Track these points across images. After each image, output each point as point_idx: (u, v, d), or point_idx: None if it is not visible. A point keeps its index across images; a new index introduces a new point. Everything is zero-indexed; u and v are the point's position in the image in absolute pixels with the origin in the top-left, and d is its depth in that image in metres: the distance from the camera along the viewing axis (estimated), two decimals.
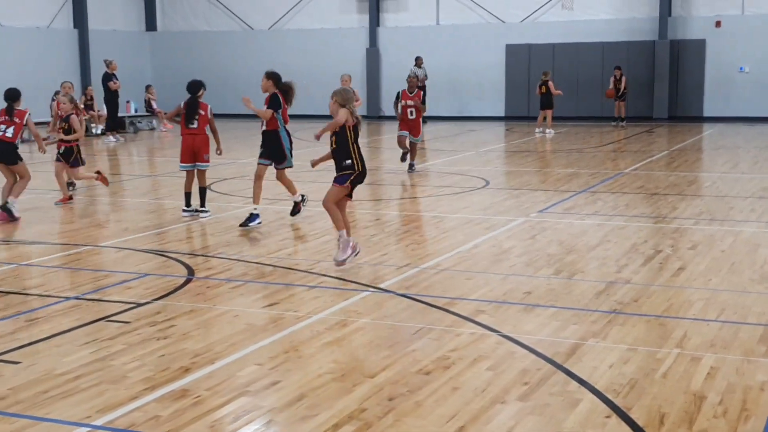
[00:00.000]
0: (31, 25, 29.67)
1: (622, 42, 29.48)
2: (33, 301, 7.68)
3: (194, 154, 11.69)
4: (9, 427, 4.99)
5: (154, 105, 28.51)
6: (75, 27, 31.31)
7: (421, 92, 17.53)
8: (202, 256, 9.43)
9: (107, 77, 24.96)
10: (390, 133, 27.05)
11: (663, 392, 5.40)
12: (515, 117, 30.50)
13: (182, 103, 11.76)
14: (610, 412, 5.13)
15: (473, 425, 4.96)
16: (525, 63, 30.53)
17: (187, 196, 11.90)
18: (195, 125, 11.70)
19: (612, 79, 27.61)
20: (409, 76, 17.71)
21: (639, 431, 4.84)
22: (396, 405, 5.27)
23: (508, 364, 5.96)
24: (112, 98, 24.83)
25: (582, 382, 5.60)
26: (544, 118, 25.25)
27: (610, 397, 5.34)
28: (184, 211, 11.90)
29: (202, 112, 11.70)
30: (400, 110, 16.71)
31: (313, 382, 5.65)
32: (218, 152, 12.14)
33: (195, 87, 11.82)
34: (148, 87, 29.37)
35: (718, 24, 28.66)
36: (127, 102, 28.07)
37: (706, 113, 28.90)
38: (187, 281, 8.32)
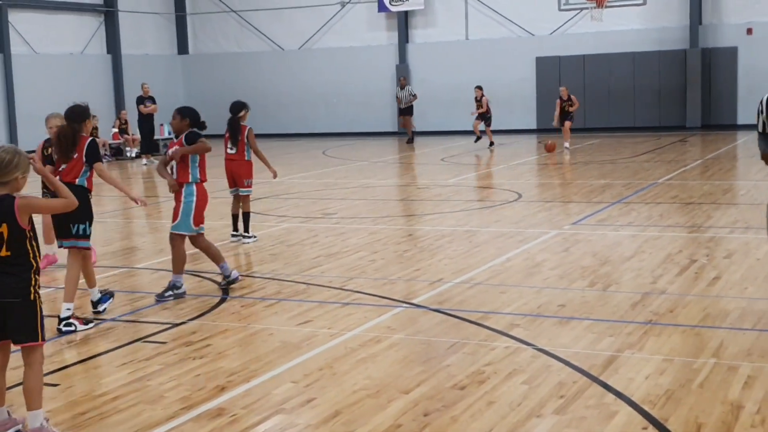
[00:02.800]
0: (65, 51, 30.11)
1: (653, 52, 29.32)
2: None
3: (233, 179, 11.43)
4: None
5: None
6: (108, 52, 31.73)
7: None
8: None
9: (139, 100, 25.30)
10: (420, 148, 27.10)
11: (700, 402, 5.35)
12: (547, 130, 30.39)
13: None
14: (646, 423, 5.09)
15: None
16: (555, 75, 30.44)
17: (234, 218, 11.60)
18: (234, 150, 11.28)
19: (558, 101, 24.25)
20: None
21: None
22: (431, 420, 5.26)
23: (543, 378, 5.94)
24: (143, 121, 25.13)
25: (618, 394, 5.57)
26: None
27: (646, 408, 5.31)
28: (232, 235, 11.55)
29: (239, 137, 11.25)
30: None
31: (348, 399, 5.67)
32: (273, 176, 11.59)
33: (236, 107, 11.42)
34: None
35: (749, 31, 28.41)
36: (161, 125, 28.36)
37: (740, 121, 28.60)
38: (222, 301, 8.38)
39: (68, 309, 7.54)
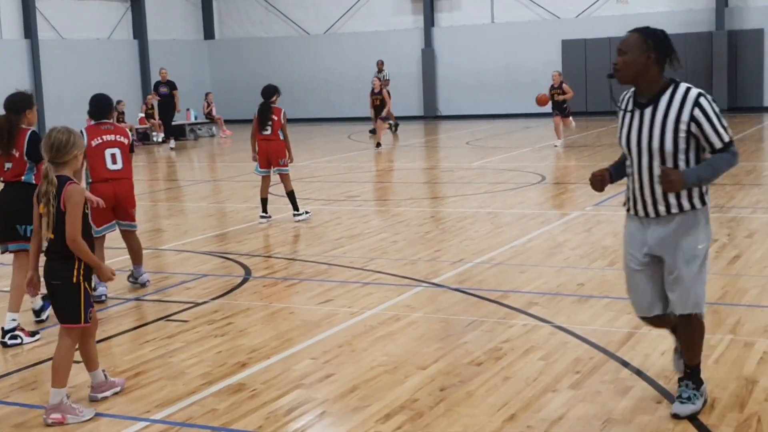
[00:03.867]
0: (92, 37, 30.33)
1: (678, 34, 29.01)
2: (95, 303, 7.89)
3: (269, 160, 11.58)
4: (71, 422, 5.17)
5: (214, 112, 28.94)
6: (135, 38, 31.92)
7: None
8: (259, 256, 9.59)
9: (156, 85, 25.76)
10: (445, 132, 27.09)
11: (715, 377, 5.38)
12: (574, 113, 30.18)
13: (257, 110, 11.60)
14: (661, 398, 5.13)
15: (524, 413, 5.00)
16: (581, 58, 30.27)
17: (263, 201, 11.70)
18: (268, 131, 11.46)
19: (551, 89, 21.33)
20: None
21: (690, 416, 4.83)
22: (447, 395, 5.33)
23: (560, 354, 5.99)
24: (161, 106, 25.61)
25: (634, 369, 5.61)
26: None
27: (661, 383, 5.34)
28: (261, 217, 11.66)
29: (275, 118, 11.42)
30: None
31: (366, 375, 5.74)
32: (289, 160, 11.71)
33: (269, 92, 11.65)
34: (207, 94, 29.82)
35: None
36: (187, 110, 28.54)
37: (766, 103, 28.34)
38: (244, 281, 8.49)
39: (13, 320, 6.75)
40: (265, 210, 11.70)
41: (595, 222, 10.75)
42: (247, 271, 8.85)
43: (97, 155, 7.82)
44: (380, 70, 27.94)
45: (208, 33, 35.29)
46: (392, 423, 4.95)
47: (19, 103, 6.77)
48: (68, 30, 29.46)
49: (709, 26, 28.75)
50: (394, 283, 8.14)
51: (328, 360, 6.07)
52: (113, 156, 7.89)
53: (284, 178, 11.60)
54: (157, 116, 26.38)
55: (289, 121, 12.09)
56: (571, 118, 21.19)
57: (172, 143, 24.75)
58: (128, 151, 8.01)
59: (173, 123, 26.09)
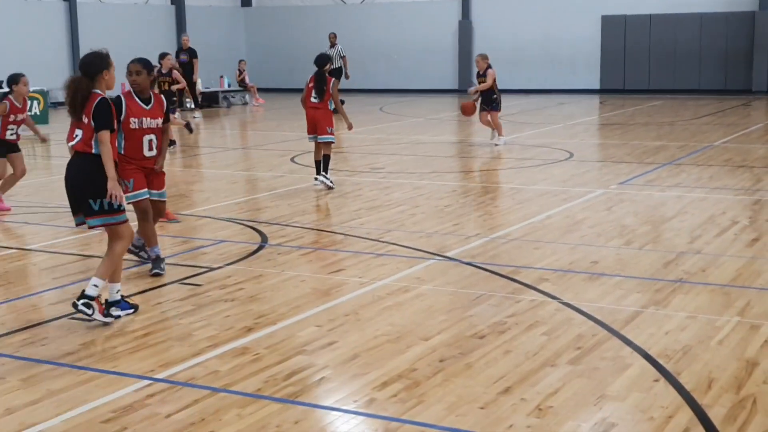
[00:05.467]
0: (130, 1, 30.51)
1: (720, 13, 28.61)
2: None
3: (315, 126, 11.76)
4: (77, 378, 5.28)
5: (247, 80, 29.02)
6: (172, 3, 32.05)
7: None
8: (278, 224, 9.65)
9: (178, 53, 25.05)
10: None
11: (716, 359, 5.36)
12: (611, 90, 29.99)
13: (310, 77, 11.87)
14: (659, 376, 5.13)
15: (519, 386, 5.03)
16: (621, 35, 29.92)
17: (317, 164, 11.87)
18: (318, 99, 11.67)
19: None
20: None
21: (685, 395, 4.84)
22: (446, 366, 5.37)
23: (563, 330, 5.99)
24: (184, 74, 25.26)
25: (636, 347, 5.60)
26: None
27: (661, 362, 5.34)
28: (315, 179, 11.89)
29: (325, 88, 11.70)
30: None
31: (368, 344, 5.79)
32: (348, 128, 12.25)
33: (323, 60, 11.85)
34: (240, 62, 29.90)
35: None
36: (221, 77, 28.65)
37: None
38: (260, 248, 8.56)
39: (95, 285, 6.26)
40: (318, 172, 11.86)
41: (618, 201, 10.69)
42: (264, 239, 8.92)
43: None
44: (332, 45, 26.04)
45: (246, 0, 35.32)
46: (388, 390, 5.00)
47: (92, 65, 6.26)
48: None
49: (752, 6, 28.26)
50: (407, 255, 8.17)
51: (333, 328, 6.12)
52: None
53: (326, 147, 11.76)
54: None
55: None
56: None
57: (177, 116, 24.34)
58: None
59: (200, 91, 25.97)
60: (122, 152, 7.32)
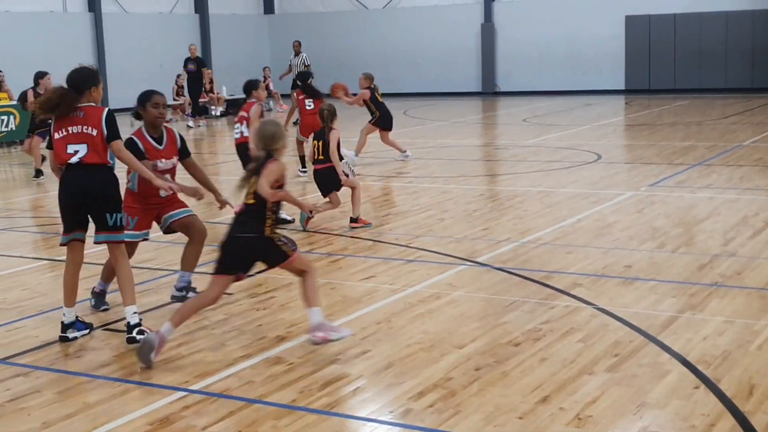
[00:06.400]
0: (154, 11, 30.67)
1: (746, 11, 28.36)
2: (144, 273, 8.03)
3: (313, 130, 12.08)
4: (111, 391, 5.28)
5: (271, 86, 29.06)
6: (196, 12, 32.20)
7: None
8: (306, 231, 9.63)
9: (185, 62, 24.73)
10: (503, 108, 26.88)
11: (756, 364, 5.28)
12: (636, 90, 29.80)
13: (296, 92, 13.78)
14: (698, 383, 5.05)
15: (557, 395, 4.97)
16: (645, 34, 29.73)
17: (302, 159, 13.51)
18: (312, 106, 13.24)
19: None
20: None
21: (726, 402, 4.76)
22: (482, 375, 5.32)
23: (599, 336, 5.93)
24: (188, 84, 24.74)
25: (674, 354, 5.53)
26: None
27: (700, 368, 5.26)
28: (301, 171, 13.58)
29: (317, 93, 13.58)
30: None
31: (402, 352, 5.75)
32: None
33: (303, 77, 14.01)
34: (264, 69, 29.95)
35: None
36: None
37: None
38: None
39: (135, 313, 6.19)
40: (304, 165, 13.41)
41: (649, 203, 10.59)
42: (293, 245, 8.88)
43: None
44: (297, 53, 25.21)
45: (268, 7, 35.44)
46: (425, 400, 4.96)
47: (82, 80, 6.13)
48: (131, 3, 29.83)
49: None
50: (437, 261, 8.13)
51: (366, 336, 6.09)
52: None
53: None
54: (220, 91, 26.52)
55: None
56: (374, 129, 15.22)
57: (191, 122, 24.07)
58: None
59: (224, 98, 25.90)
60: (135, 190, 6.83)
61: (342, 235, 9.40)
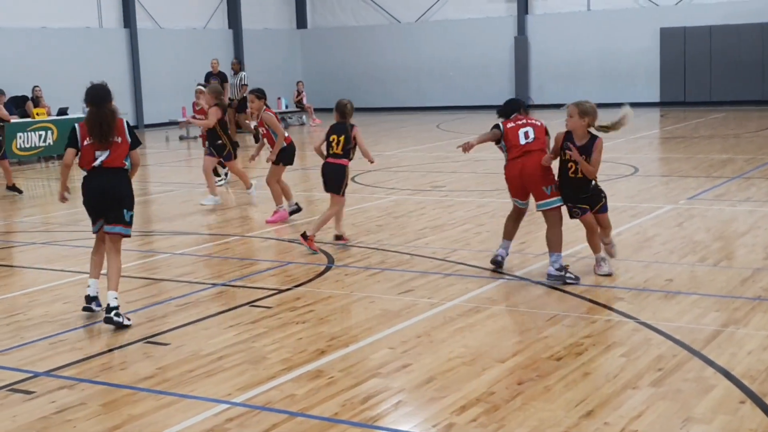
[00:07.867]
0: (188, 26, 30.95)
1: None
2: (183, 287, 8.09)
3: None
4: (155, 403, 5.31)
5: (304, 100, 29.23)
6: (230, 27, 32.45)
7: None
8: (343, 245, 9.65)
9: (207, 77, 23.66)
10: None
11: None
12: (671, 103, 29.59)
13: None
14: (744, 398, 4.99)
15: (602, 410, 4.93)
16: (680, 46, 29.54)
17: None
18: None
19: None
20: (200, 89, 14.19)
21: None
22: (524, 389, 5.29)
23: (643, 351, 5.87)
24: None
25: (718, 368, 5.46)
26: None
27: (746, 383, 5.19)
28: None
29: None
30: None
31: (443, 366, 5.74)
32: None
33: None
34: (297, 83, 30.13)
35: None
36: (278, 98, 28.88)
37: None
38: (327, 269, 8.56)
39: (115, 298, 6.91)
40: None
41: (688, 216, 10.50)
42: (330, 260, 8.92)
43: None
44: (236, 72, 24.01)
45: (301, 22, 35.64)
46: (467, 415, 4.93)
47: (106, 94, 7.03)
48: (166, 19, 30.13)
49: None
50: (475, 275, 8.11)
51: (406, 350, 6.08)
52: (526, 133, 8.98)
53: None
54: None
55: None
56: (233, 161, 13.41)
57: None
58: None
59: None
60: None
61: (378, 249, 9.41)
